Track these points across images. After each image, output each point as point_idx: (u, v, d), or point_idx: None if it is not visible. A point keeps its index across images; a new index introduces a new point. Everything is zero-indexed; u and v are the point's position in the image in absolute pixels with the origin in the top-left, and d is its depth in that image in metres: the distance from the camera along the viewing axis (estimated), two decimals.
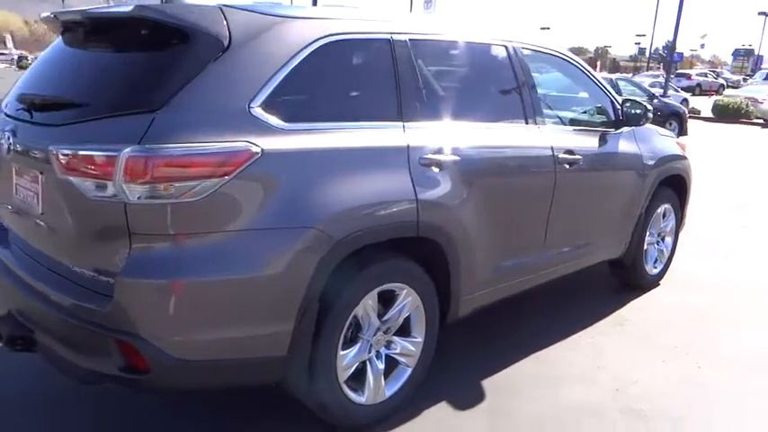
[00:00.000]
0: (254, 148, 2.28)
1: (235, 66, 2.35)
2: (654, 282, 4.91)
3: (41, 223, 2.53)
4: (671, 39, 24.85)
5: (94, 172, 2.18)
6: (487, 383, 3.30)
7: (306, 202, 2.42)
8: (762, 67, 68.23)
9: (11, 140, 2.51)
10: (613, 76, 18.43)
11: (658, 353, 3.77)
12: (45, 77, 2.74)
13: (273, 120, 2.38)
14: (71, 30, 2.73)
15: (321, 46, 2.59)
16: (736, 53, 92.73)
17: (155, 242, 2.21)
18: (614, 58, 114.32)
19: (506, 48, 3.47)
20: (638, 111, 4.18)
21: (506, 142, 3.33)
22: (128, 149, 2.11)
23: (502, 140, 3.31)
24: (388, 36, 2.87)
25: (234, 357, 2.38)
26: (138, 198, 2.15)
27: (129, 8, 2.34)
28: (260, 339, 2.40)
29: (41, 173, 2.46)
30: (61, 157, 2.24)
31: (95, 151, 2.18)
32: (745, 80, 54.26)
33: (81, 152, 2.20)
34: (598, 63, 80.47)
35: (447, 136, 2.96)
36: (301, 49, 2.52)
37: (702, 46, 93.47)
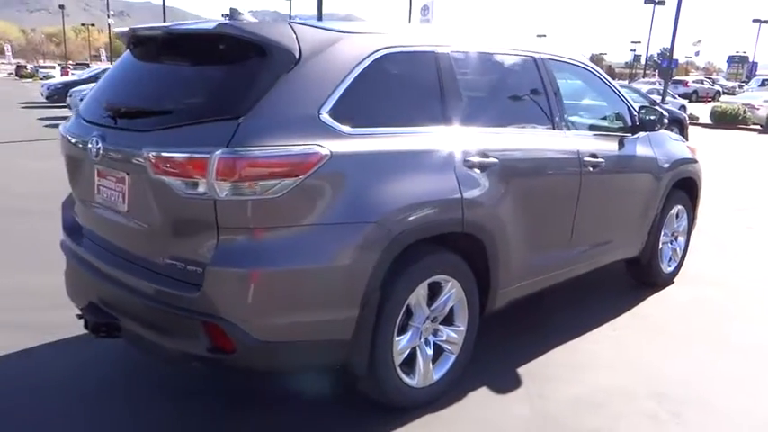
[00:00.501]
0: (324, 151, 2.53)
1: (305, 77, 2.60)
2: (668, 280, 5.16)
3: (127, 220, 2.78)
4: (666, 46, 25.23)
5: (187, 172, 2.43)
6: (522, 371, 3.54)
7: (368, 199, 2.67)
8: (756, 73, 68.94)
9: (99, 145, 2.75)
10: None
11: (677, 344, 4.02)
12: (125, 87, 2.99)
13: (339, 125, 2.64)
14: (148, 44, 2.99)
15: (377, 59, 2.85)
16: (731, 60, 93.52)
17: (239, 235, 2.47)
18: (610, 65, 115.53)
19: (534, 59, 3.74)
20: (653, 117, 4.45)
21: (537, 146, 3.59)
22: (219, 151, 2.37)
23: (533, 144, 3.57)
24: (433, 49, 3.13)
25: (306, 339, 2.63)
26: (227, 195, 2.40)
27: (212, 24, 2.61)
28: (328, 324, 2.65)
29: (128, 174, 2.71)
30: (155, 159, 2.49)
31: (188, 153, 2.43)
32: (740, 87, 54.81)
33: (175, 154, 2.45)
34: None
35: (485, 140, 3.22)
36: (361, 62, 2.78)
37: (697, 53, 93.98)
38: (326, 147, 2.55)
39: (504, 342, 3.87)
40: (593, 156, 3.89)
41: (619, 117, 4.44)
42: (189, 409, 3.07)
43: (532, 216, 3.49)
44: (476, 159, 3.11)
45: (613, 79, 5.32)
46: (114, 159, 2.74)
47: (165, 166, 2.47)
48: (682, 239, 5.26)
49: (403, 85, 3.05)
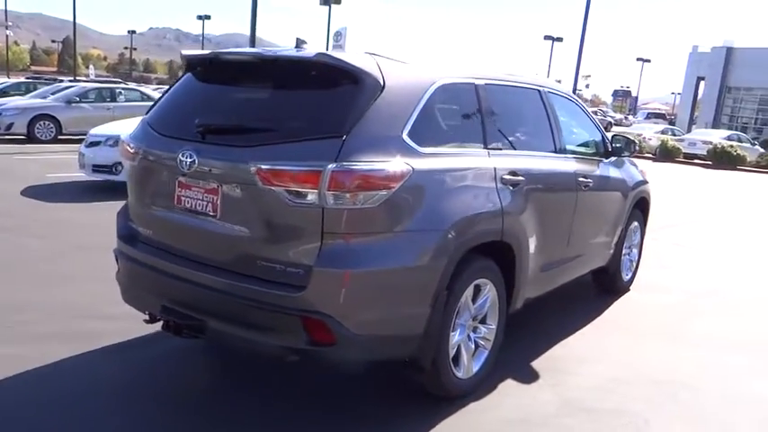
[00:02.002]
0: (408, 167, 2.91)
1: (389, 102, 2.97)
2: (626, 287, 5.85)
3: (217, 227, 3.01)
4: (560, 78, 27.32)
5: (299, 184, 2.73)
6: (535, 365, 4.02)
7: (439, 210, 3.07)
8: (640, 107, 75.07)
9: (193, 158, 2.98)
10: None
11: (652, 340, 4.65)
12: (214, 106, 3.23)
13: (416, 145, 3.03)
14: (236, 67, 3.25)
15: (438, 87, 3.27)
16: (616, 94, 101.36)
17: (341, 239, 2.79)
18: None
19: (539, 91, 4.29)
20: (620, 144, 5.15)
21: (549, 167, 4.13)
22: (332, 165, 2.69)
23: (546, 166, 4.10)
24: (473, 81, 3.59)
25: (388, 334, 2.97)
26: (333, 204, 2.72)
27: (311, 53, 2.94)
28: (407, 319, 3.00)
29: (220, 185, 2.95)
30: (266, 172, 2.76)
31: (302, 167, 2.73)
32: (626, 118, 59.65)
33: (288, 168, 2.74)
34: None
35: (514, 161, 3.71)
36: (427, 90, 3.20)
37: (587, 86, 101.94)
38: (409, 163, 2.93)
39: (513, 342, 4.32)
40: (585, 176, 4.49)
41: (596, 143, 5.08)
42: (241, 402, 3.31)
43: (544, 226, 3.99)
44: (509, 177, 3.58)
45: None
46: (208, 171, 2.97)
47: (275, 178, 2.76)
48: (635, 252, 5.99)
49: (455, 112, 3.48)
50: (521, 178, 3.67)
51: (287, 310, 2.80)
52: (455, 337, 3.36)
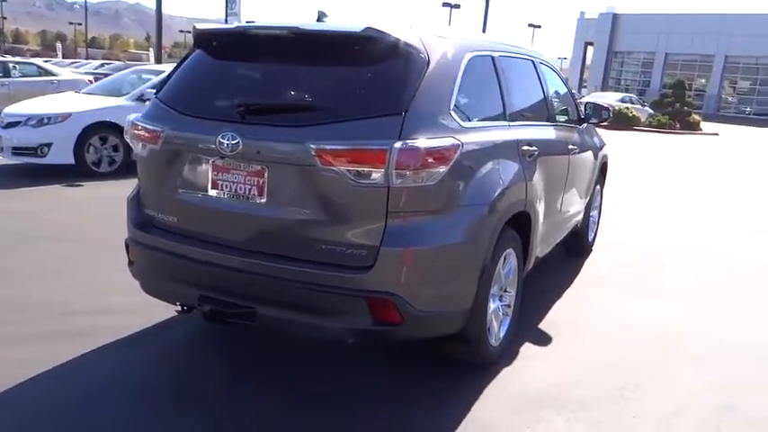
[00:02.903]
0: (458, 142, 2.90)
1: (436, 77, 2.94)
2: (590, 247, 6.17)
3: (264, 212, 2.88)
4: None
5: (363, 163, 2.65)
6: (543, 327, 4.19)
7: (482, 184, 3.10)
8: None
9: (236, 140, 2.81)
10: None
11: (629, 293, 4.96)
12: (252, 84, 3.05)
13: (459, 120, 3.02)
14: (271, 42, 3.07)
15: (468, 61, 3.26)
16: None
17: (405, 218, 2.75)
18: None
19: (533, 61, 4.38)
20: (590, 111, 5.37)
21: (550, 136, 4.25)
22: (398, 144, 2.63)
23: (547, 135, 4.22)
24: (490, 53, 3.61)
25: (448, 309, 2.99)
26: (399, 183, 2.67)
27: (358, 28, 2.82)
28: (462, 293, 3.03)
29: (267, 167, 2.82)
30: (327, 152, 2.66)
31: (367, 146, 2.65)
32: None
33: (350, 147, 2.65)
34: None
35: (527, 132, 3.79)
36: (461, 63, 3.18)
37: None
38: (458, 138, 2.92)
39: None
40: (572, 143, 4.66)
41: (574, 110, 5.27)
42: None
43: (547, 192, 4.12)
44: (526, 148, 3.65)
45: None
46: (255, 153, 2.82)
47: (337, 158, 2.66)
48: (596, 213, 6.31)
49: (481, 84, 3.48)
50: (534, 149, 3.75)
51: (351, 291, 2.75)
52: (491, 308, 3.43)
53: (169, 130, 3.04)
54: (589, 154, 5.37)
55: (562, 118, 4.93)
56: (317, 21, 3.27)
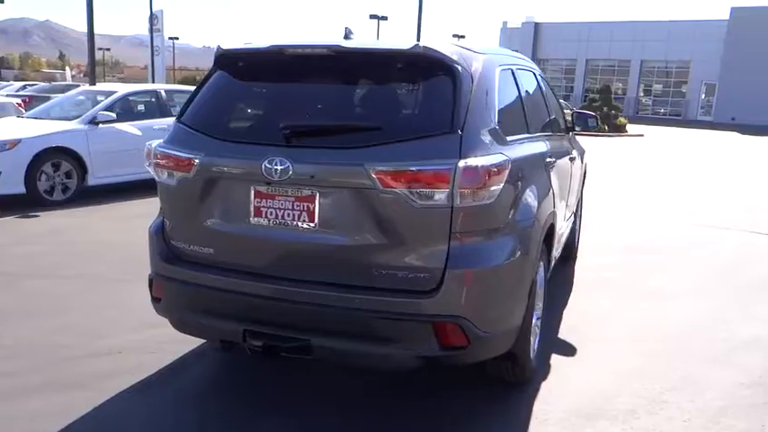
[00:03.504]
0: (508, 157, 2.87)
1: (480, 93, 2.90)
2: (576, 253, 6.27)
3: (313, 237, 2.75)
4: None
5: (427, 184, 2.57)
6: (563, 337, 4.21)
7: (528, 199, 3.08)
8: None
9: (285, 165, 2.67)
10: None
11: (629, 296, 5.08)
12: (295, 106, 2.90)
13: (503, 135, 2.99)
14: (313, 62, 2.94)
15: (500, 74, 3.24)
16: None
17: (468, 238, 2.69)
18: None
19: (534, 73, 4.41)
20: (570, 120, 5.48)
21: (559, 147, 4.29)
22: (462, 163, 2.57)
23: (557, 145, 4.26)
24: (511, 66, 3.60)
25: (504, 329, 2.93)
26: (462, 202, 2.61)
27: (408, 45, 2.75)
28: (515, 312, 2.99)
29: (318, 191, 2.70)
30: (387, 173, 2.56)
31: (430, 166, 2.57)
32: None
33: (415, 168, 2.57)
34: None
35: (546, 143, 3.81)
36: (495, 78, 3.15)
37: None
38: (506, 154, 2.89)
39: None
40: (570, 151, 4.73)
41: (563, 120, 5.35)
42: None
43: (560, 201, 4.16)
44: (549, 160, 3.67)
45: None
46: (307, 178, 2.69)
47: (398, 180, 2.57)
48: (578, 220, 6.43)
49: (509, 98, 3.47)
50: (553, 159, 3.78)
51: (416, 317, 2.66)
52: (532, 322, 3.40)
53: (204, 156, 2.87)
54: (578, 161, 5.47)
55: (560, 126, 5.00)
56: (345, 38, 3.17)
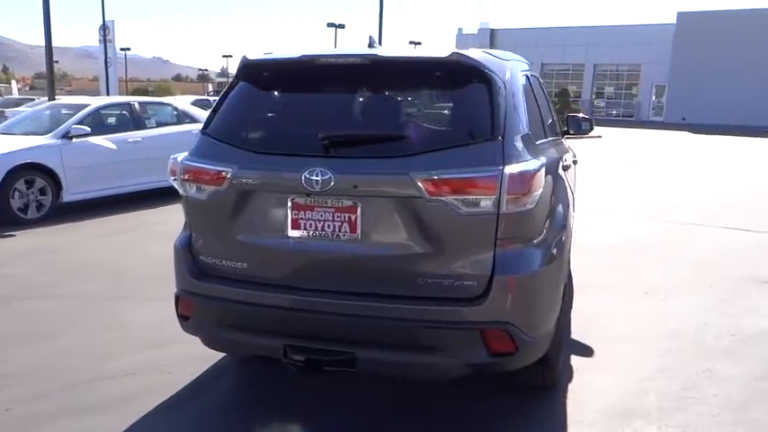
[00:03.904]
0: (542, 162, 2.89)
1: (512, 99, 2.90)
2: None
3: (356, 248, 2.71)
4: None
5: (473, 191, 2.56)
6: (576, 336, 4.25)
7: (557, 202, 3.11)
8: None
9: (327, 176, 2.62)
10: None
11: (629, 295, 5.17)
12: (332, 115, 2.85)
13: (534, 140, 3.00)
14: (340, 72, 2.90)
15: (522, 80, 3.26)
16: None
17: (512, 244, 2.68)
18: None
19: (537, 77, 4.46)
20: (564, 123, 5.57)
21: (565, 150, 4.34)
22: (508, 169, 2.57)
23: (564, 149, 4.30)
24: (526, 72, 3.63)
25: (544, 332, 2.92)
26: (507, 209, 2.61)
27: (445, 53, 2.73)
28: (552, 315, 2.99)
29: (360, 201, 2.66)
30: (435, 181, 2.54)
31: (478, 173, 2.56)
32: None
33: (462, 176, 2.55)
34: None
35: (558, 148, 3.85)
36: (520, 83, 3.17)
37: None
38: (540, 159, 2.90)
39: None
40: (574, 155, 4.80)
41: (559, 124, 5.42)
42: None
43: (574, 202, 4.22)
44: (564, 163, 3.72)
45: None
46: (350, 188, 2.65)
47: (445, 188, 2.56)
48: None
49: (530, 103, 3.47)
50: (567, 163, 3.83)
51: (463, 324, 2.64)
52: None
53: (238, 169, 2.79)
54: (574, 164, 5.55)
55: (559, 130, 5.06)
56: (369, 47, 3.14)
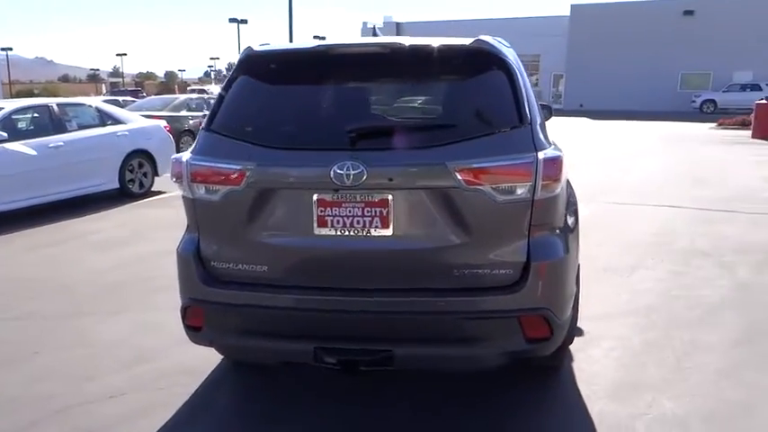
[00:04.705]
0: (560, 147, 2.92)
1: (525, 86, 2.91)
2: None
3: (388, 243, 2.63)
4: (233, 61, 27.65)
5: (511, 178, 2.55)
6: None
7: (569, 189, 3.16)
8: None
9: (359, 169, 2.52)
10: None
11: (591, 272, 5.35)
12: (356, 106, 2.74)
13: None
14: (372, 60, 2.80)
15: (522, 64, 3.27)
16: None
17: (544, 229, 2.70)
18: (185, 81, 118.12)
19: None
20: None
21: None
22: (542, 155, 2.58)
23: None
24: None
25: (568, 316, 2.96)
26: (540, 195, 2.62)
27: (469, 41, 2.70)
28: (573, 297, 3.04)
29: (393, 194, 2.59)
30: (473, 171, 2.51)
31: (514, 161, 2.55)
32: None
33: (499, 164, 2.54)
34: (176, 87, 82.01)
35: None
36: (522, 69, 3.18)
37: None
38: (553, 143, 2.93)
39: None
40: None
41: None
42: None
43: None
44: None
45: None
46: (385, 181, 2.57)
47: (483, 177, 2.53)
48: None
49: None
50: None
51: (502, 313, 2.63)
52: None
53: (258, 167, 2.64)
54: None
55: None
56: (373, 35, 3.06)
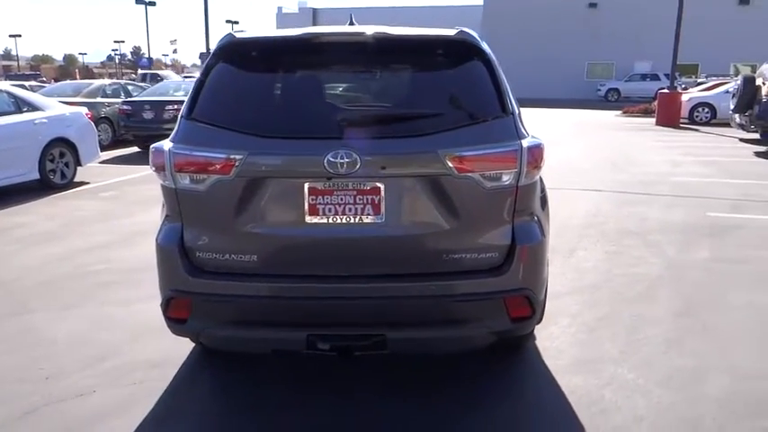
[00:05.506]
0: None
1: (503, 76, 3.03)
2: None
3: (379, 230, 2.69)
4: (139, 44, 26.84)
5: (498, 165, 2.67)
6: None
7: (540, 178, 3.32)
8: None
9: (352, 157, 2.56)
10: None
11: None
12: (346, 95, 2.74)
13: None
14: (357, 49, 2.82)
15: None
16: (203, 56, 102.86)
17: (525, 214, 2.85)
18: (87, 65, 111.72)
19: None
20: None
21: None
22: (525, 143, 2.71)
23: None
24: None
25: (543, 296, 3.12)
26: (524, 181, 2.75)
27: (453, 32, 2.77)
28: (546, 277, 3.20)
29: (384, 182, 2.64)
30: (464, 158, 2.61)
31: (501, 149, 2.66)
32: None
33: (488, 151, 2.64)
34: (77, 71, 77.60)
35: None
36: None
37: (175, 51, 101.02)
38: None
39: None
40: None
41: None
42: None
43: None
44: None
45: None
46: (379, 169, 2.61)
47: (474, 164, 2.63)
48: None
49: None
50: None
51: (489, 295, 2.76)
52: None
53: (248, 155, 2.62)
54: None
55: None
56: (350, 24, 3.08)
